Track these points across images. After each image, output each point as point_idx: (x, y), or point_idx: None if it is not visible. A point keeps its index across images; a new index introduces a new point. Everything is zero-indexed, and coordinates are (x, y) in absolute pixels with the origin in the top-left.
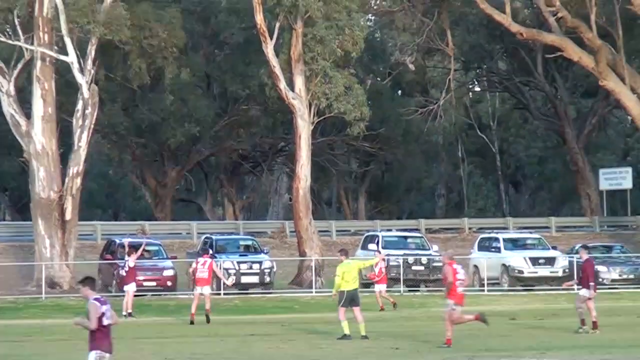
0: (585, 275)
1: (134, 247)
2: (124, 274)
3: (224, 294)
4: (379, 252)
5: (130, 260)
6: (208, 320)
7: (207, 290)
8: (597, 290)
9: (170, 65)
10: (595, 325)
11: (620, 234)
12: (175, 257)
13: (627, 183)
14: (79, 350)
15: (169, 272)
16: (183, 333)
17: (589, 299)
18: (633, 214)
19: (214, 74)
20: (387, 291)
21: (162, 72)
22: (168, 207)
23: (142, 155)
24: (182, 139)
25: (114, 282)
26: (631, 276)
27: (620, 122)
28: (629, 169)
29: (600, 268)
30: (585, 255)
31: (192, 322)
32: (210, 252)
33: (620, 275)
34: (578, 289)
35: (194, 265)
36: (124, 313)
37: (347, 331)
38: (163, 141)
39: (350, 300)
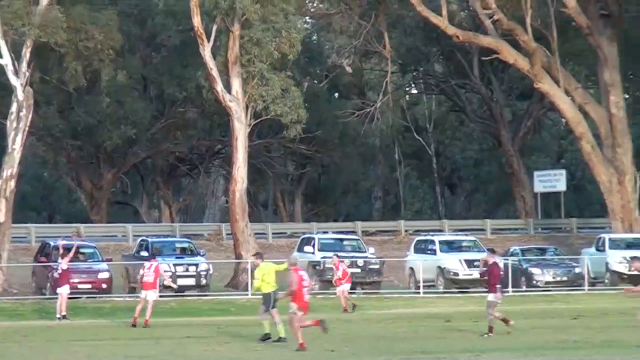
0: (493, 279)
1: (68, 250)
2: (58, 276)
3: (160, 296)
4: (337, 256)
5: (63, 263)
6: (133, 326)
7: (151, 295)
8: (529, 293)
9: (107, 68)
10: (507, 323)
11: (554, 236)
12: (110, 260)
13: (561, 185)
14: (13, 353)
15: (104, 275)
16: (117, 335)
17: (491, 301)
18: (567, 216)
19: (150, 77)
20: (349, 292)
21: (99, 75)
22: (104, 209)
23: (78, 157)
24: (119, 142)
25: (48, 284)
26: (564, 278)
27: (554, 125)
28: (563, 172)
29: (534, 270)
30: (492, 259)
31: (134, 325)
32: (146, 254)
33: (553, 278)
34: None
35: (141, 271)
36: (58, 315)
37: (283, 334)
38: (99, 143)
39: (274, 301)
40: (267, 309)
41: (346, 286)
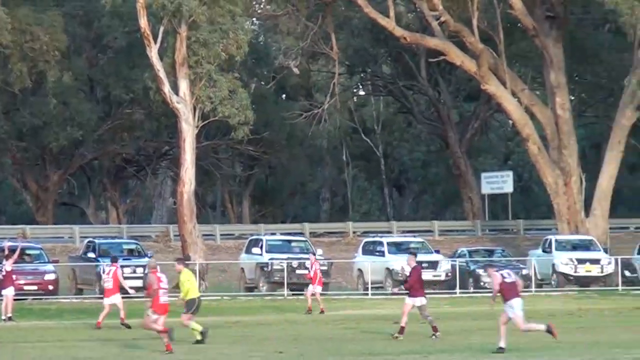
0: (415, 282)
1: (12, 251)
2: (2, 278)
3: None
4: (313, 254)
5: (7, 265)
6: (128, 327)
7: (116, 299)
8: (476, 294)
9: (52, 69)
10: (402, 332)
11: (502, 238)
12: (57, 261)
13: (508, 187)
14: None
15: (50, 276)
16: (64, 337)
17: (421, 306)
18: (514, 217)
19: (97, 78)
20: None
21: (44, 76)
22: (50, 211)
23: (23, 158)
24: (65, 143)
25: None
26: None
27: (501, 126)
28: (510, 173)
29: (482, 272)
30: (413, 263)
31: (98, 328)
32: (93, 255)
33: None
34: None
35: (104, 276)
36: (4, 317)
37: (200, 328)
38: (45, 145)
39: (198, 306)
40: (192, 313)
41: (318, 288)
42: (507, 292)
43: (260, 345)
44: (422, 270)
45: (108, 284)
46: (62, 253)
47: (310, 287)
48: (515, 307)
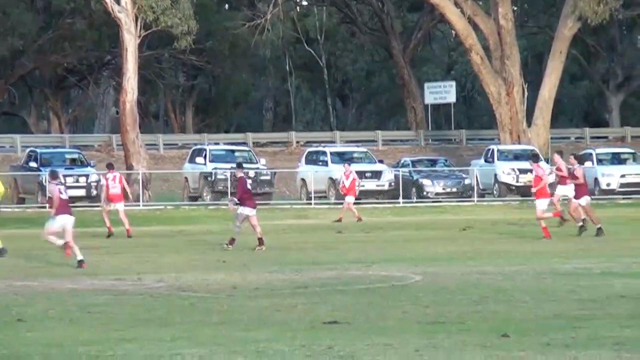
0: (241, 194)
1: None
2: None
3: (49, 207)
4: (348, 164)
5: None
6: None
7: (121, 206)
8: (419, 204)
9: None
10: (231, 242)
11: (445, 148)
12: None
13: (451, 97)
14: None
15: None
16: (6, 246)
17: (250, 216)
18: (457, 127)
19: None
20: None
21: None
22: None
23: None
24: (5, 53)
25: None
26: (454, 189)
27: (444, 37)
28: (453, 83)
29: (425, 182)
30: (240, 174)
31: (110, 235)
32: (35, 164)
33: (443, 189)
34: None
35: (103, 181)
36: None
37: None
38: None
39: None
40: None
41: (350, 198)
42: (60, 208)
43: (203, 254)
44: (366, 180)
45: (116, 189)
46: (4, 162)
47: (347, 197)
48: (66, 223)
